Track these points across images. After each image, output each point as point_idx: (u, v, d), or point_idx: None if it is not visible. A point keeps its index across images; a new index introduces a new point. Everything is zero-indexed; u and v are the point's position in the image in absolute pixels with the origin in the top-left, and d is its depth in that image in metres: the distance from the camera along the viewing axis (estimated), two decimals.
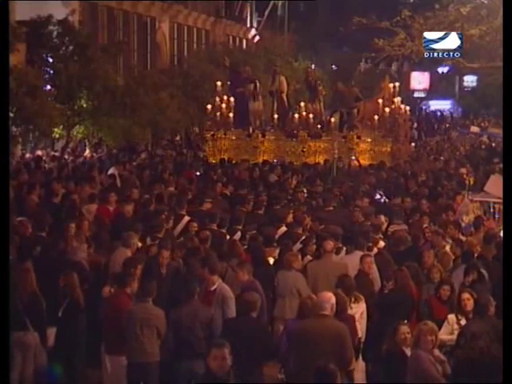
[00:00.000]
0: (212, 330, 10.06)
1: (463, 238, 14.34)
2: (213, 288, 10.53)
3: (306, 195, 18.62)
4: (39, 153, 27.66)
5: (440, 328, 10.04)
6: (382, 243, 13.92)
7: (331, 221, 15.20)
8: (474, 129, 48.22)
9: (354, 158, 25.90)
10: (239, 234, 14.27)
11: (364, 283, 11.58)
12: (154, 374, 10.12)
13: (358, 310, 10.90)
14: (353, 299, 10.87)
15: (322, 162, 25.67)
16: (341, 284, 10.88)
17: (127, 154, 28.23)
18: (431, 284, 11.81)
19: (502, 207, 15.36)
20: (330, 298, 9.52)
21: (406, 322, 9.92)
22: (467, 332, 9.68)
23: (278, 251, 12.97)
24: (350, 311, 10.55)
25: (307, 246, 13.29)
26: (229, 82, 29.82)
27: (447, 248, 13.63)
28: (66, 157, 27.63)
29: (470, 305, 10.55)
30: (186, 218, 14.98)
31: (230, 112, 27.60)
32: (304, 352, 9.17)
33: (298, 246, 13.47)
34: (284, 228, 14.66)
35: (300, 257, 12.45)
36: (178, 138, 37.03)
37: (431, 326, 9.31)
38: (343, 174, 23.39)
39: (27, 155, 27.18)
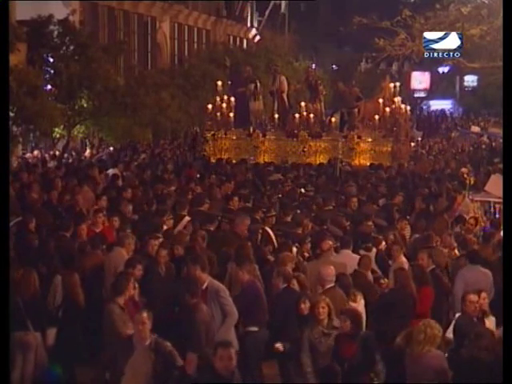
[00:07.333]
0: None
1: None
2: (204, 286, 10.53)
3: (304, 195, 18.60)
4: (36, 152, 27.68)
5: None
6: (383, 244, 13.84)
7: (330, 220, 15.20)
8: (475, 129, 48.27)
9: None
10: None
11: (361, 282, 11.61)
12: None
13: (357, 307, 10.92)
14: (352, 297, 10.96)
15: (324, 161, 25.65)
16: (338, 282, 11.03)
17: (129, 154, 28.21)
18: None
19: (502, 207, 15.34)
20: (331, 271, 11.03)
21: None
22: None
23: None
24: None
25: (305, 245, 13.29)
26: (229, 82, 29.82)
27: (456, 251, 13.56)
28: (66, 156, 27.67)
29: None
30: (187, 219, 14.96)
31: (230, 112, 27.56)
32: None
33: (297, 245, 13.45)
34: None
35: (295, 256, 12.46)
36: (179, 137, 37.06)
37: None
38: (345, 173, 23.34)
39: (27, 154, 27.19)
